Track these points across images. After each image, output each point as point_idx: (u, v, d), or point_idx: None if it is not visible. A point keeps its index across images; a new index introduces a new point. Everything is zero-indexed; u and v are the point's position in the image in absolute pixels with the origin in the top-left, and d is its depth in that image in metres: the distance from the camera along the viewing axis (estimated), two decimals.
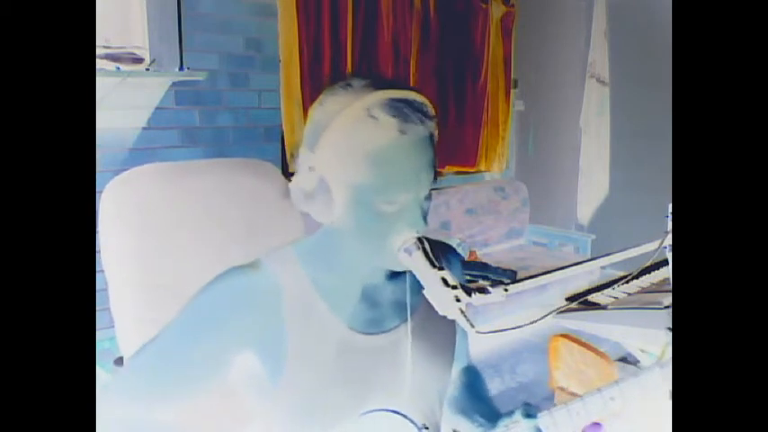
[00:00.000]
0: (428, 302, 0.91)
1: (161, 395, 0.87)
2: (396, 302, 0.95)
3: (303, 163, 0.86)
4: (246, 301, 0.87)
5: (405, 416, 0.90)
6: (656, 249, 1.04)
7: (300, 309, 0.88)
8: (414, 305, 0.94)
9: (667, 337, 1.40)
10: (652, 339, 1.49)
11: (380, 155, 0.81)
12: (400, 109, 0.81)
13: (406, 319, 0.94)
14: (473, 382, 1.08)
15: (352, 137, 0.81)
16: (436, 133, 0.87)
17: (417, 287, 0.86)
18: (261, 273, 0.88)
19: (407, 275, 0.94)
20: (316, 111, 0.85)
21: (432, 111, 0.85)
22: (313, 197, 0.86)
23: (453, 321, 1.00)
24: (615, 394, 0.92)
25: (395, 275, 0.95)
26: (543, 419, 0.90)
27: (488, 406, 1.01)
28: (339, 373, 0.88)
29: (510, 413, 0.91)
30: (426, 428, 0.93)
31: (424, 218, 0.85)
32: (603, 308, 1.57)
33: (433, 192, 0.89)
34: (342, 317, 0.90)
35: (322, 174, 0.84)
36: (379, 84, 0.83)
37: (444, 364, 1.00)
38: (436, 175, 0.87)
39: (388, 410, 0.89)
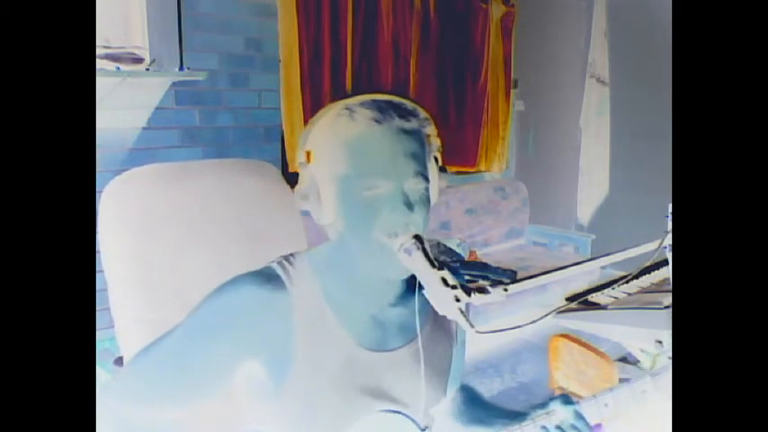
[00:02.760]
0: (431, 325, 0.92)
1: (162, 398, 0.87)
2: (402, 323, 0.95)
3: (299, 161, 0.89)
4: (257, 309, 0.86)
5: (408, 416, 0.90)
6: (656, 249, 1.04)
7: (310, 320, 0.88)
8: (421, 325, 0.94)
9: (657, 350, 1.42)
10: (652, 339, 1.50)
11: (355, 142, 0.85)
12: (377, 104, 0.86)
13: (410, 340, 0.94)
14: (473, 396, 1.09)
15: (331, 130, 0.86)
16: (428, 132, 0.90)
17: (425, 308, 0.87)
18: (272, 281, 0.88)
19: (416, 298, 0.93)
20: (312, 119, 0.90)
21: (420, 111, 0.89)
22: (307, 197, 0.89)
23: (451, 343, 1.01)
24: (609, 401, 0.95)
25: (403, 297, 0.95)
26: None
27: (497, 408, 1.02)
28: (341, 386, 0.88)
29: (545, 404, 0.94)
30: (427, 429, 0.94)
31: (408, 205, 0.85)
32: (603, 308, 1.57)
33: None
34: (350, 331, 0.90)
35: (312, 171, 0.88)
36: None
37: (441, 384, 1.00)
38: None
39: (390, 411, 0.90)
